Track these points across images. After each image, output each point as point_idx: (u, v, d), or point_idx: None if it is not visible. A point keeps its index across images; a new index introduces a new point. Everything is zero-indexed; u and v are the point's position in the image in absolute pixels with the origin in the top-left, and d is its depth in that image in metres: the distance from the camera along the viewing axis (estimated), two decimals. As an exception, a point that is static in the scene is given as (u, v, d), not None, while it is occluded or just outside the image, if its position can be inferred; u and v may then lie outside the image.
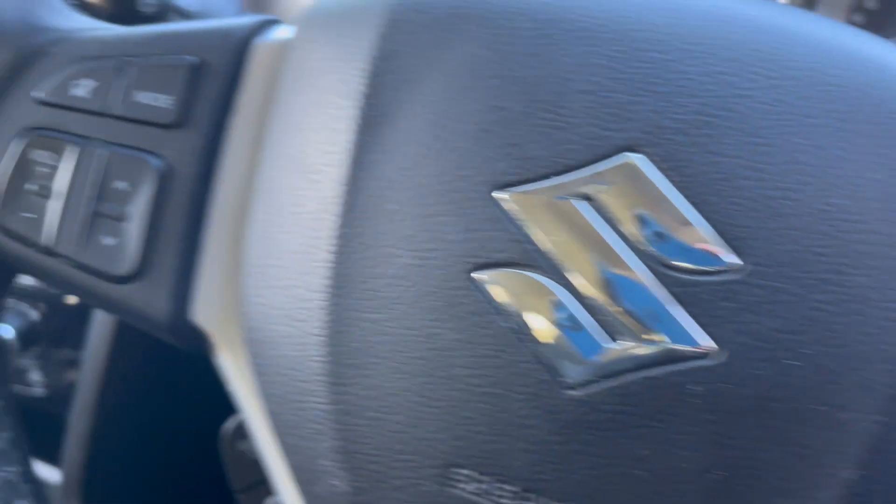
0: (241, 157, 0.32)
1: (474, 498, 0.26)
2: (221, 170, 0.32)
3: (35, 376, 0.70)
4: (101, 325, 0.63)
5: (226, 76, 0.31)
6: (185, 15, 0.49)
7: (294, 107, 0.30)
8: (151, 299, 0.31)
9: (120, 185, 0.31)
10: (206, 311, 0.32)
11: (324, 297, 0.28)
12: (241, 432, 0.37)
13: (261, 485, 0.37)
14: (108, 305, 0.32)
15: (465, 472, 0.26)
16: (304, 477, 0.29)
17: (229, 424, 0.37)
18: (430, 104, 0.27)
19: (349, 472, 0.28)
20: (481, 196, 0.26)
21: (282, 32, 0.33)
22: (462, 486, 0.26)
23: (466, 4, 0.28)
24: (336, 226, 0.28)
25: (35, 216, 0.32)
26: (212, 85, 0.31)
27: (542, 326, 0.25)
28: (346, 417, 0.28)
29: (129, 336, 0.65)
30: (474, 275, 0.26)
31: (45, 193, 0.32)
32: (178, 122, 0.31)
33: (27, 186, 0.32)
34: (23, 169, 0.32)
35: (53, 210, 0.32)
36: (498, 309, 0.25)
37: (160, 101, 0.31)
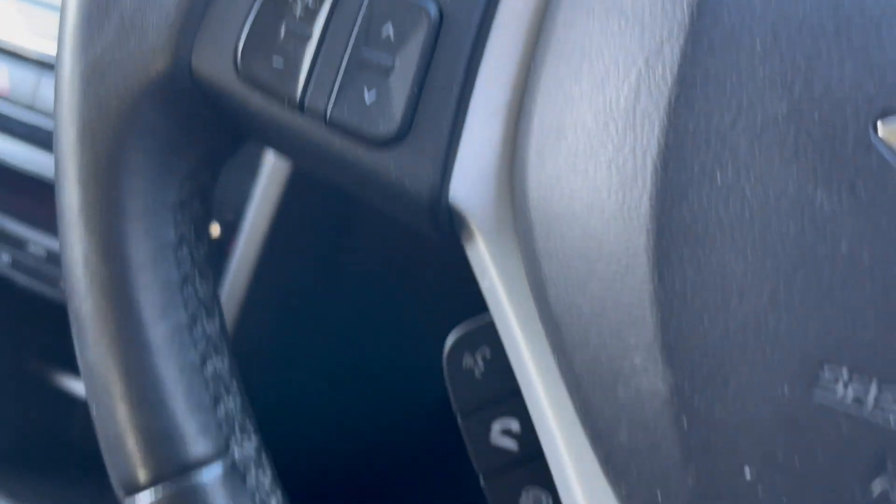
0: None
1: None
2: (498, 14, 0.27)
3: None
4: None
5: None
6: None
7: None
8: (414, 168, 0.27)
9: (386, 30, 0.27)
10: (465, 189, 0.27)
11: (655, 162, 0.23)
12: (468, 346, 0.32)
13: (489, 407, 0.32)
14: (359, 175, 0.27)
15: None
16: (598, 381, 0.24)
17: (452, 337, 0.32)
18: None
19: (669, 367, 0.22)
20: None
21: None
22: None
23: None
24: (677, 66, 0.23)
25: (282, 60, 0.28)
26: None
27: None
28: (665, 314, 0.23)
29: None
30: None
31: (296, 35, 0.28)
32: None
33: (277, 26, 0.28)
34: (273, 5, 0.28)
35: (305, 56, 0.27)
36: None
37: None
